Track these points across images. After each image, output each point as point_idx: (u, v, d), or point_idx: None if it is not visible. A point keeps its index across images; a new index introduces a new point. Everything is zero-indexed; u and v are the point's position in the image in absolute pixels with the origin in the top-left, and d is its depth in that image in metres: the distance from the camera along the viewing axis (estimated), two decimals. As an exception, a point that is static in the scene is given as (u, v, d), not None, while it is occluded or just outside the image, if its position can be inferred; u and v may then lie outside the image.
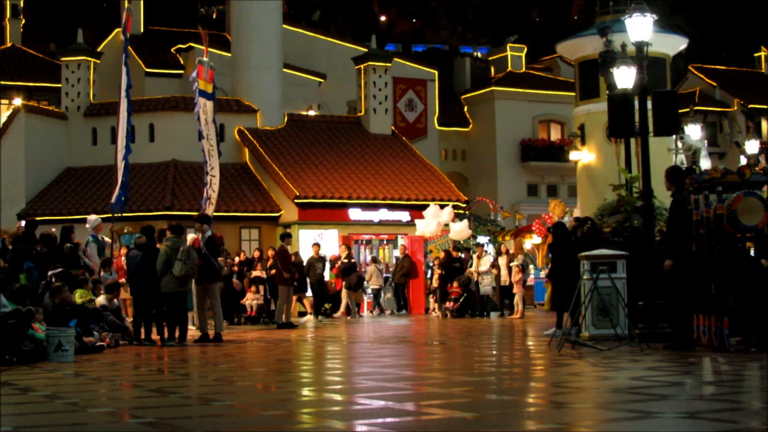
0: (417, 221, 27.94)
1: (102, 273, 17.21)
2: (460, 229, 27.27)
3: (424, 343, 15.28)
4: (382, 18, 59.96)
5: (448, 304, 25.21)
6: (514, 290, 24.95)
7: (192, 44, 34.51)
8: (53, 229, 17.16)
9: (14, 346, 11.69)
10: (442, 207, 28.12)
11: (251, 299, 22.95)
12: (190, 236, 19.80)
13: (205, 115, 20.36)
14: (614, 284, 12.61)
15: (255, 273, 23.29)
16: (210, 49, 35.65)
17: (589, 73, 25.25)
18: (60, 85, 32.48)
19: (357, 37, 46.33)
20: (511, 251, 27.64)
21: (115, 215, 20.31)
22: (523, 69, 45.61)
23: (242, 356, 13.58)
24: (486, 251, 26.42)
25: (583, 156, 26.60)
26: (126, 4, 19.92)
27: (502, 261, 25.40)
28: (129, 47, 20.83)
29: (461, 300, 25.04)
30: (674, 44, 26.11)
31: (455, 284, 25.17)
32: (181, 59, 37.01)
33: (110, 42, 38.45)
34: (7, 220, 27.57)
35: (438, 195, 30.47)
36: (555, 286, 16.27)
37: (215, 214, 26.27)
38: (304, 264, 22.64)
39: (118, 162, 20.09)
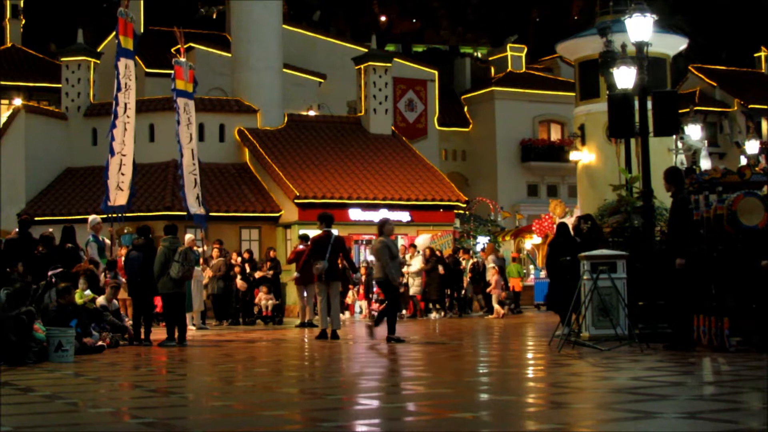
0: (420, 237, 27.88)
1: (107, 274, 17.22)
2: (423, 242, 27.07)
3: (424, 344, 15.27)
4: (382, 18, 59.97)
5: (375, 306, 25.08)
6: (489, 290, 24.97)
7: (192, 44, 34.52)
8: (50, 229, 17.13)
9: (19, 346, 11.68)
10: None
11: (265, 299, 22.93)
12: (188, 237, 19.83)
13: (187, 114, 20.36)
14: (614, 284, 12.61)
15: (260, 273, 23.25)
16: (210, 50, 35.85)
17: (589, 73, 25.21)
18: (60, 85, 32.47)
19: (357, 37, 46.35)
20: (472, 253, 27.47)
21: (118, 216, 20.21)
22: (523, 69, 45.61)
23: (242, 356, 13.58)
24: (418, 252, 26.26)
25: (583, 156, 26.57)
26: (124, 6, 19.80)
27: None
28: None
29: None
30: (674, 44, 26.07)
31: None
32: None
33: (110, 42, 38.38)
34: (7, 220, 27.58)
35: (438, 195, 30.46)
36: (553, 286, 16.21)
37: (215, 214, 26.36)
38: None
39: (124, 163, 19.85)
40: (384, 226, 15.42)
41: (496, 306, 24.81)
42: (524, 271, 29.89)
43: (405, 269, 25.43)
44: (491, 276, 25.14)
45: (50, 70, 37.57)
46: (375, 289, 25.74)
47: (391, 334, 14.82)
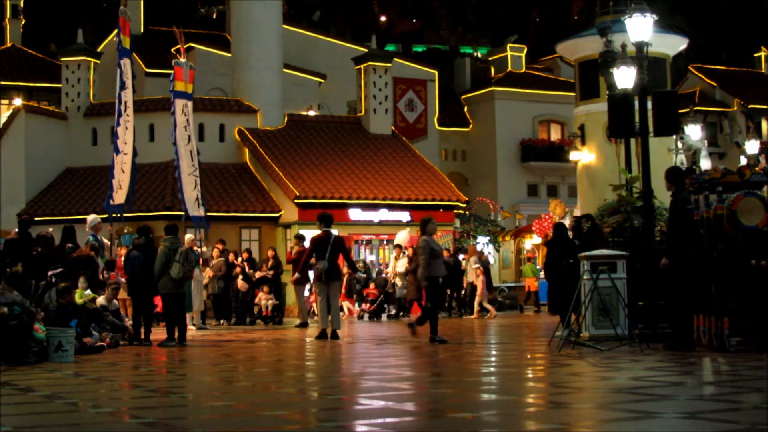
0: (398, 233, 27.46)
1: (104, 273, 17.23)
2: (403, 238, 26.82)
3: (424, 344, 15.27)
4: (382, 18, 59.97)
5: (365, 306, 24.97)
6: (478, 294, 24.88)
7: (192, 44, 34.52)
8: (50, 229, 17.12)
9: (19, 346, 11.68)
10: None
11: (265, 299, 22.92)
12: (188, 237, 19.84)
13: (185, 116, 20.35)
14: (614, 284, 12.61)
15: (260, 273, 23.23)
16: (210, 50, 35.84)
17: (589, 73, 25.22)
18: (60, 85, 32.47)
19: (357, 37, 46.34)
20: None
21: (117, 215, 20.22)
22: (523, 69, 45.59)
23: (242, 356, 13.58)
24: (404, 253, 26.21)
25: (583, 156, 26.59)
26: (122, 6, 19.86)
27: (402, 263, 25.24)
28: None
29: (377, 302, 24.81)
30: (674, 44, 26.08)
31: (371, 285, 24.83)
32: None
33: (110, 42, 38.40)
34: (7, 220, 27.57)
35: (438, 195, 30.46)
36: (553, 287, 16.18)
37: (215, 214, 26.35)
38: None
39: (125, 162, 19.86)
40: (427, 225, 15.25)
41: (488, 306, 24.77)
42: (538, 268, 29.74)
43: (392, 270, 25.40)
44: (474, 277, 25.06)
45: (50, 70, 37.56)
46: (364, 290, 25.64)
47: (434, 334, 14.57)
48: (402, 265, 25.13)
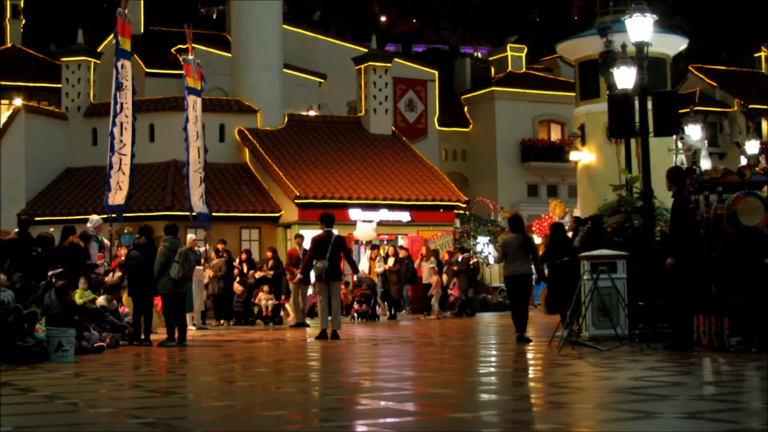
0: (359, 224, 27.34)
1: (115, 274, 17.27)
2: (365, 232, 26.68)
3: (424, 343, 15.28)
4: (383, 18, 60.01)
5: (357, 307, 24.97)
6: (431, 291, 24.87)
7: (192, 44, 34.48)
8: (51, 229, 17.12)
9: (13, 345, 11.68)
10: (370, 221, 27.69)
11: (266, 299, 22.90)
12: (189, 237, 19.85)
13: (195, 112, 20.38)
14: (614, 284, 12.61)
15: (260, 273, 23.21)
16: (210, 50, 35.85)
17: (589, 73, 25.24)
18: (60, 85, 32.47)
19: (357, 38, 46.33)
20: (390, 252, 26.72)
21: (114, 216, 20.21)
22: (524, 69, 45.58)
23: (242, 356, 13.58)
24: (379, 254, 26.08)
25: (584, 156, 26.60)
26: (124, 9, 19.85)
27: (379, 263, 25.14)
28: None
29: (372, 302, 24.76)
30: (674, 44, 26.10)
31: (363, 286, 24.90)
32: (181, 59, 36.84)
33: (110, 42, 38.40)
34: (7, 220, 27.57)
35: (438, 195, 30.46)
36: (553, 288, 16.18)
37: (215, 214, 26.35)
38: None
39: (124, 163, 19.89)
40: (523, 222, 15.14)
41: (435, 306, 24.80)
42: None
43: (369, 269, 25.34)
44: (428, 277, 25.06)
45: (50, 70, 37.56)
46: (355, 290, 25.54)
47: (522, 331, 14.19)
48: (379, 265, 25.15)
